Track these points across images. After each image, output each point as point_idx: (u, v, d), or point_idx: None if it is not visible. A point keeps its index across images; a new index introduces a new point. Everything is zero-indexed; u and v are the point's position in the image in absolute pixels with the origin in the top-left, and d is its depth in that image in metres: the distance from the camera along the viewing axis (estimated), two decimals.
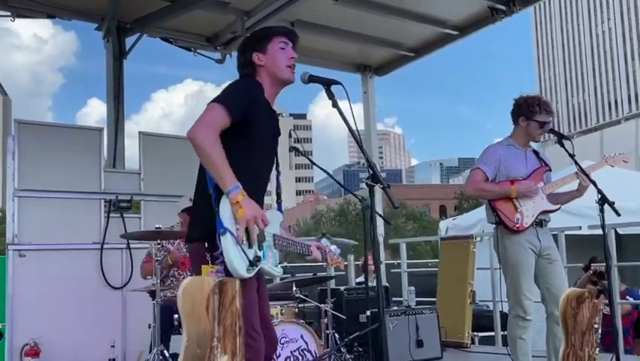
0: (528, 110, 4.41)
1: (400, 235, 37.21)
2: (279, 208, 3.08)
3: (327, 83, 2.81)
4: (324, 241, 3.40)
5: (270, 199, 3.41)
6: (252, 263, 2.61)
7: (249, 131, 2.81)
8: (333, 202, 61.89)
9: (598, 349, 2.91)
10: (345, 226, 48.51)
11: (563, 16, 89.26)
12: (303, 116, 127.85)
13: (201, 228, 2.75)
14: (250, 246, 2.63)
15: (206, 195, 2.70)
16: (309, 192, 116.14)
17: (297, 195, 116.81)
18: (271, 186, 3.10)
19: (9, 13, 6.08)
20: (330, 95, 2.80)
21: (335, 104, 2.75)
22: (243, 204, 2.58)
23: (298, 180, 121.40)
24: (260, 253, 2.69)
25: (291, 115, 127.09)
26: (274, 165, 3.05)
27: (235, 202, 2.58)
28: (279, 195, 3.11)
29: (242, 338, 2.00)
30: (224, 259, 2.56)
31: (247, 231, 2.61)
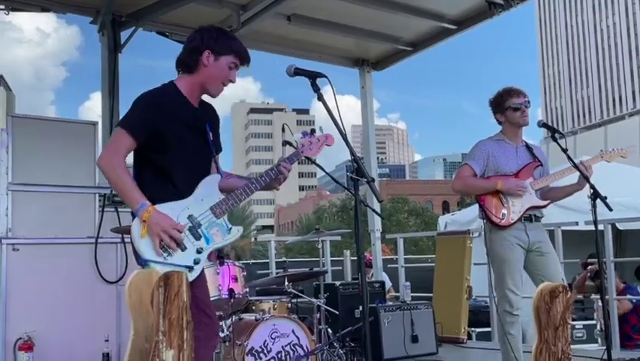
0: (497, 105, 4.46)
1: (403, 230, 37.15)
2: (217, 169, 3.02)
3: (313, 76, 2.80)
4: (297, 136, 3.14)
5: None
6: (191, 266, 2.65)
7: (165, 142, 2.84)
8: (335, 198, 61.76)
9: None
10: (347, 221, 48.42)
11: (567, 11, 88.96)
12: (306, 112, 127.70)
13: None
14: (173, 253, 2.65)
15: None
16: (312, 187, 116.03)
17: (299, 190, 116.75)
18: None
19: (3, 7, 6.04)
20: (316, 88, 2.78)
21: (320, 97, 2.74)
22: (149, 221, 2.62)
23: (301, 175, 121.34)
24: (201, 243, 2.73)
25: (294, 110, 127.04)
26: (210, 157, 3.03)
27: (142, 221, 2.64)
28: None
29: (189, 331, 1.99)
30: None
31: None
